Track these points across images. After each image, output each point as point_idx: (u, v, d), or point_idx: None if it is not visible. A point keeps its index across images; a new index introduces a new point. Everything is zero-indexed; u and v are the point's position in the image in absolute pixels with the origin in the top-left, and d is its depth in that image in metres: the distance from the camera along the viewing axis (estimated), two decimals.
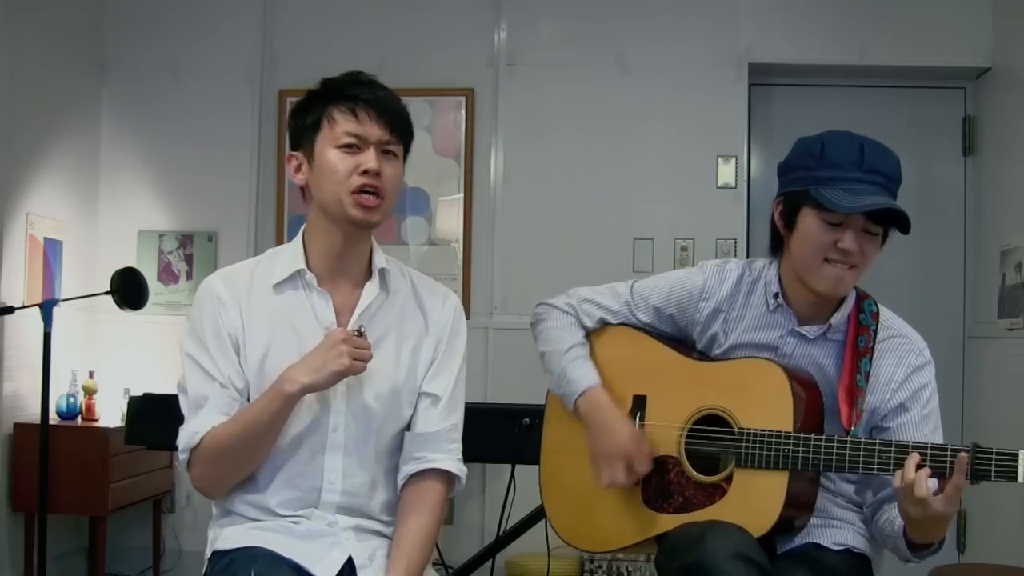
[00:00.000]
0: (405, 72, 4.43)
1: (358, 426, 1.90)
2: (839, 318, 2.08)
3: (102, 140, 4.74)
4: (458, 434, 2.01)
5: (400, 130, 1.90)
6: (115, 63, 4.75)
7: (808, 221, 2.01)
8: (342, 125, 1.86)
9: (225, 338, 1.88)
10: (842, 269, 2.00)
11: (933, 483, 1.81)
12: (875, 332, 2.06)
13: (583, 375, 2.22)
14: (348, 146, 1.86)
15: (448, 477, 1.97)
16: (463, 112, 4.62)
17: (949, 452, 1.82)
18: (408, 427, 1.98)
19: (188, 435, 1.86)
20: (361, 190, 1.85)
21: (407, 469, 1.95)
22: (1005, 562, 3.63)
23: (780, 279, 2.12)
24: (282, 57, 4.71)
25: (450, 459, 1.97)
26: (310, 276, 1.91)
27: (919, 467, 1.81)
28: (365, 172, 1.85)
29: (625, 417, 2.17)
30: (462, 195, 4.64)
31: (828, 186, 1.97)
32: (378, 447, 1.93)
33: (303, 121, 1.91)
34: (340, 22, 4.67)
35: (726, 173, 4.54)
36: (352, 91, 1.88)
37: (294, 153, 1.94)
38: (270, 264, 1.96)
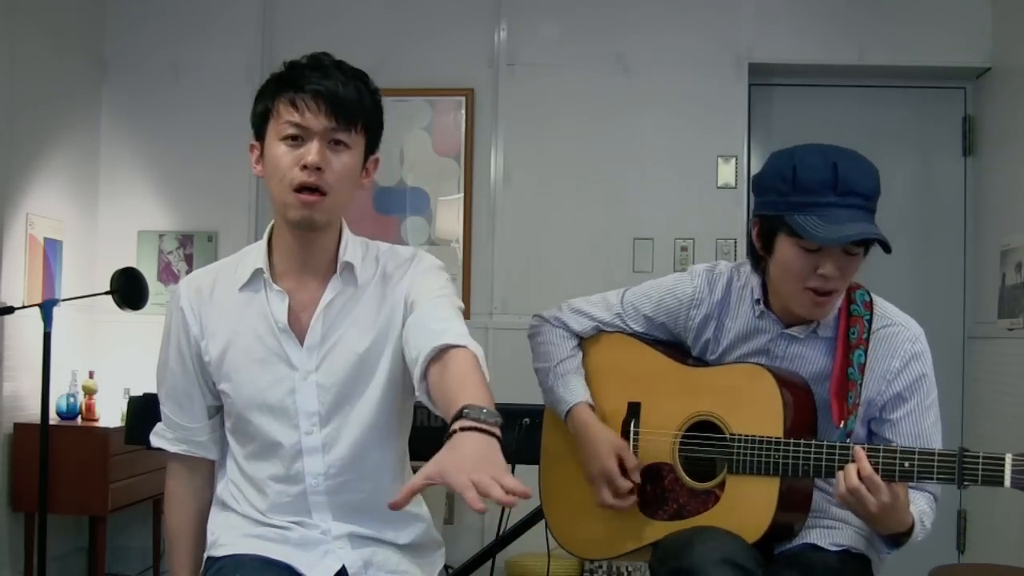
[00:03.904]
0: (405, 72, 4.43)
1: (334, 426, 1.86)
2: (826, 318, 2.07)
3: (102, 140, 4.74)
4: (452, 316, 1.75)
5: (349, 118, 1.79)
6: (115, 63, 4.75)
7: (785, 248, 1.98)
8: (285, 116, 1.78)
9: (188, 363, 1.90)
10: (824, 296, 1.98)
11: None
12: (869, 322, 2.05)
13: (569, 392, 2.22)
14: (292, 138, 1.78)
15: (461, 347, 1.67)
16: (463, 112, 4.62)
17: (936, 457, 1.82)
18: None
19: (152, 439, 1.98)
20: (301, 187, 1.76)
21: (418, 367, 1.69)
22: (1005, 562, 3.63)
23: (764, 286, 2.11)
24: (282, 57, 4.59)
25: (450, 334, 1.68)
26: (267, 275, 1.86)
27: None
28: (305, 167, 1.76)
29: (607, 433, 2.16)
30: (462, 195, 4.64)
31: (803, 213, 1.92)
32: (362, 444, 1.87)
33: (256, 109, 1.85)
34: (340, 22, 4.67)
35: (726, 173, 4.54)
36: (300, 79, 1.79)
37: (255, 143, 1.87)
38: (238, 264, 1.93)
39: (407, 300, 1.86)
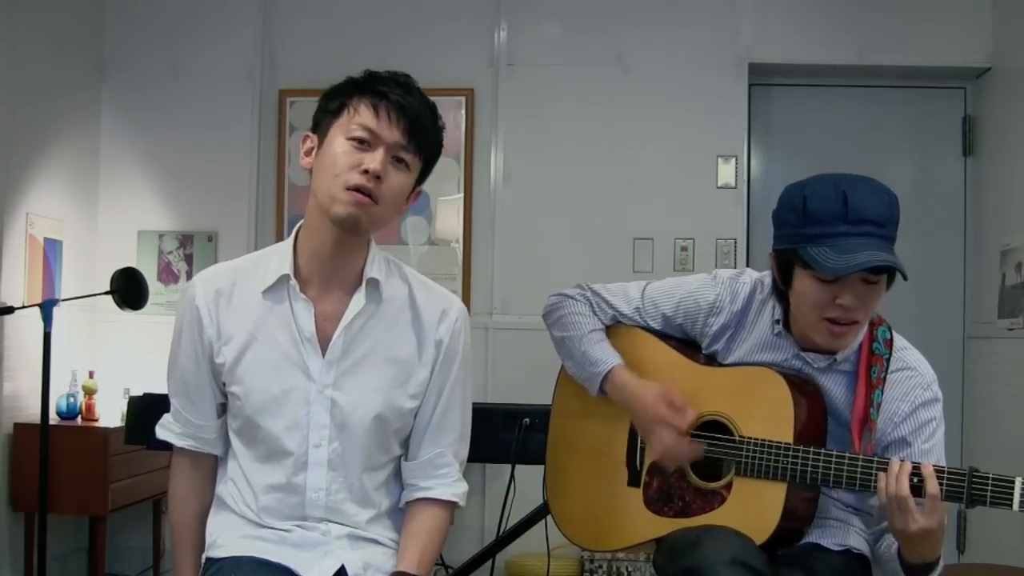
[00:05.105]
0: (405, 72, 4.42)
1: (342, 442, 1.86)
2: (847, 351, 2.04)
3: (102, 140, 4.74)
4: (449, 458, 1.94)
5: (419, 139, 1.81)
6: (115, 63, 4.75)
7: (802, 281, 1.96)
8: (360, 117, 1.78)
9: (201, 362, 1.89)
10: (843, 326, 1.96)
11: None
12: (888, 361, 2.03)
13: (605, 355, 2.19)
14: (359, 140, 1.77)
15: (445, 502, 1.94)
16: (463, 112, 4.62)
17: (946, 474, 1.81)
18: (407, 446, 1.95)
19: (158, 431, 1.96)
20: (356, 188, 1.76)
21: (404, 495, 1.95)
22: (1005, 562, 3.63)
23: (785, 311, 2.07)
24: (282, 57, 4.71)
25: (441, 486, 1.93)
26: (294, 283, 1.84)
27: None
28: (365, 172, 1.76)
29: (650, 383, 2.13)
30: (462, 195, 4.64)
31: (816, 244, 1.90)
32: (365, 465, 1.89)
33: (328, 104, 1.83)
34: (340, 22, 4.67)
35: (726, 173, 4.54)
36: (385, 88, 1.80)
37: (310, 134, 1.86)
38: (261, 265, 1.90)
39: (433, 365, 1.91)
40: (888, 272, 1.94)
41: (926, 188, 4.63)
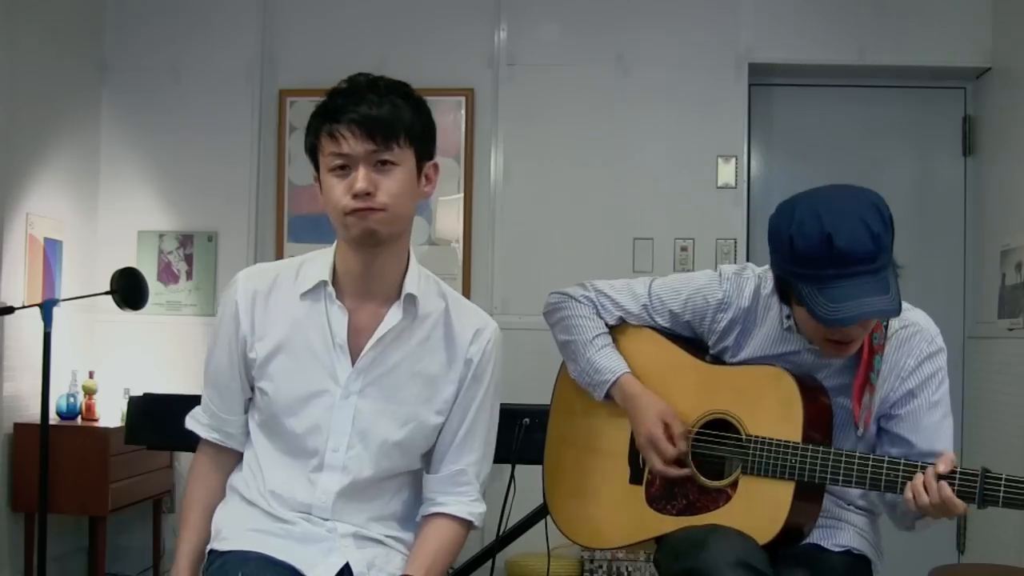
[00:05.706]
0: (405, 72, 4.33)
1: (361, 449, 1.88)
2: None
3: (102, 140, 4.74)
4: (470, 477, 1.97)
5: (387, 136, 1.80)
6: (115, 63, 4.75)
7: (799, 310, 1.96)
8: (328, 148, 1.80)
9: (234, 356, 1.92)
10: (845, 345, 1.97)
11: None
12: (886, 327, 2.04)
13: (613, 363, 2.20)
14: (340, 168, 1.80)
15: (460, 519, 1.96)
16: (463, 112, 4.62)
17: (958, 475, 1.81)
18: (429, 460, 1.97)
19: (188, 422, 2.00)
20: (353, 211, 1.79)
21: (421, 509, 1.97)
22: (1005, 562, 3.63)
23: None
24: (282, 57, 4.71)
25: (458, 503, 1.96)
26: (331, 289, 1.87)
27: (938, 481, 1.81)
28: (356, 195, 1.78)
29: (655, 400, 2.14)
30: (462, 195, 4.64)
31: (807, 284, 1.87)
32: (380, 473, 1.90)
33: (307, 144, 1.88)
34: (340, 22, 4.67)
35: (726, 173, 4.54)
36: (336, 109, 1.80)
37: (315, 174, 1.90)
38: (300, 268, 1.93)
39: (460, 383, 1.93)
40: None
41: (926, 188, 4.63)
